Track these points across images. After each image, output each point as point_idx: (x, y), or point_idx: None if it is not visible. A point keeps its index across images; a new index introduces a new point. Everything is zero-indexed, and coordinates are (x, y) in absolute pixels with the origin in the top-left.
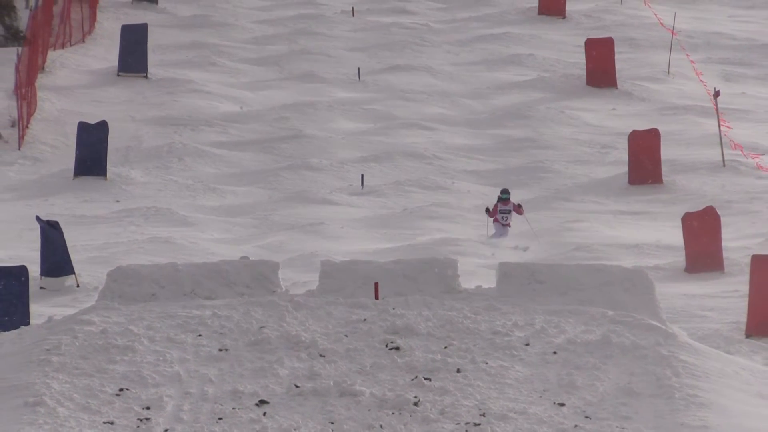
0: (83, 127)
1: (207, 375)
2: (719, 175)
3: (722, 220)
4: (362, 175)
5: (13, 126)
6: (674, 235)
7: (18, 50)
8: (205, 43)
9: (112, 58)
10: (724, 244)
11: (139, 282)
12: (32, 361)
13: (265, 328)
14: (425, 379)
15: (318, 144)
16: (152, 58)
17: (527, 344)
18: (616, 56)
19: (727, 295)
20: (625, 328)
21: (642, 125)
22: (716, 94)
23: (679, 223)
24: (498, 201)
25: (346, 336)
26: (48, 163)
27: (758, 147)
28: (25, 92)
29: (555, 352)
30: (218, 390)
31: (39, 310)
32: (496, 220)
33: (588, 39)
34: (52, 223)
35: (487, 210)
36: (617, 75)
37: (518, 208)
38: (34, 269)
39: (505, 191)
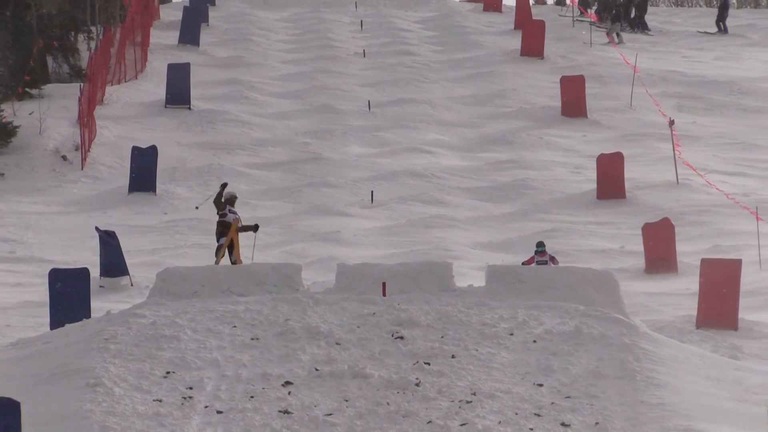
0: (136, 151)
1: (241, 360)
2: (674, 191)
3: (676, 229)
4: (372, 192)
5: (76, 150)
6: (635, 242)
7: (80, 86)
8: (239, 79)
9: (160, 92)
10: (677, 249)
11: (184, 282)
12: (93, 348)
13: (290, 321)
14: (425, 363)
15: (334, 165)
16: (194, 92)
17: (511, 334)
18: (587, 90)
19: (680, 293)
20: (594, 320)
21: (608, 149)
22: (671, 122)
23: (640, 232)
24: (535, 253)
25: (358, 327)
26: (106, 181)
27: (707, 167)
28: (86, 121)
29: (535, 341)
30: (250, 372)
31: (98, 305)
32: None
33: (563, 76)
34: (110, 232)
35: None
36: (587, 107)
37: (553, 260)
38: (95, 271)
39: (540, 244)
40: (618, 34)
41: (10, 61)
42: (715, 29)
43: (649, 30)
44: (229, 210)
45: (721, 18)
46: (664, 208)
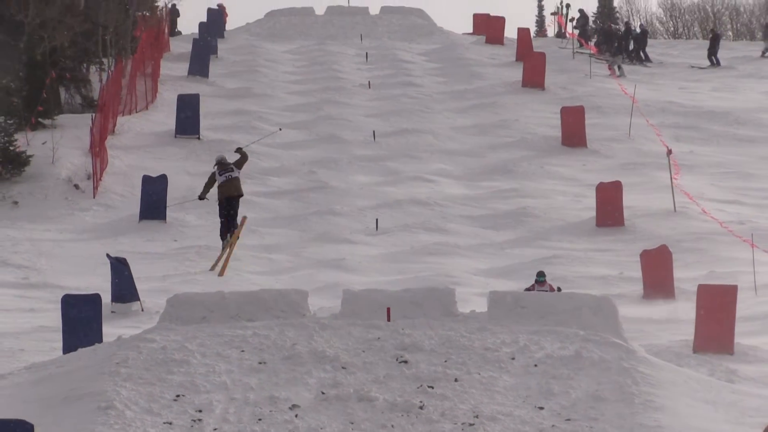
0: (146, 180)
1: (249, 383)
2: (671, 218)
3: (674, 256)
4: (377, 219)
5: (88, 178)
6: (634, 269)
7: (92, 116)
8: (248, 110)
9: (170, 122)
10: (675, 275)
11: (193, 307)
12: (104, 372)
13: (296, 345)
14: (429, 387)
15: (340, 193)
16: (204, 122)
17: (513, 358)
18: (586, 121)
19: (677, 318)
20: (594, 345)
21: (607, 178)
22: (669, 152)
23: (638, 259)
24: (535, 282)
25: (363, 351)
26: (117, 209)
27: (702, 195)
28: (98, 151)
29: (536, 365)
30: (258, 396)
31: (110, 330)
32: None
33: (563, 107)
34: (121, 259)
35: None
36: (587, 136)
37: (558, 290)
38: (106, 297)
39: (541, 274)
40: (620, 67)
41: (24, 92)
42: (707, 63)
43: (650, 62)
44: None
45: (712, 52)
46: (661, 235)
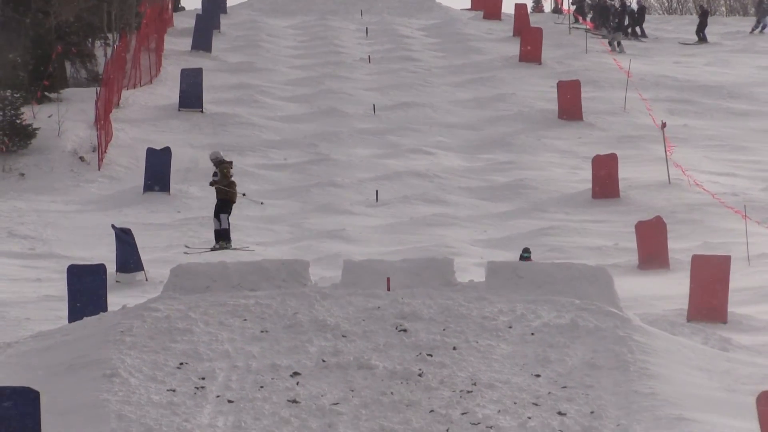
0: (151, 152)
1: (251, 352)
2: (666, 190)
3: (668, 227)
4: (377, 191)
5: (94, 151)
6: (629, 240)
7: (97, 90)
8: (250, 84)
9: (174, 96)
10: (669, 246)
11: (196, 277)
12: (109, 340)
13: (298, 314)
14: (428, 355)
15: (341, 166)
16: (207, 96)
17: (510, 327)
18: (582, 95)
19: (671, 288)
20: (590, 314)
21: (603, 151)
22: (663, 125)
23: (633, 230)
24: (520, 259)
25: (363, 320)
26: (122, 181)
27: (696, 168)
28: (103, 124)
29: (533, 334)
30: (260, 364)
31: (115, 299)
32: None
33: (559, 81)
34: (125, 229)
35: None
36: (583, 110)
37: None
38: (111, 267)
39: (526, 250)
40: (619, 44)
41: (30, 66)
42: (695, 39)
43: (646, 38)
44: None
45: (701, 28)
46: (656, 206)
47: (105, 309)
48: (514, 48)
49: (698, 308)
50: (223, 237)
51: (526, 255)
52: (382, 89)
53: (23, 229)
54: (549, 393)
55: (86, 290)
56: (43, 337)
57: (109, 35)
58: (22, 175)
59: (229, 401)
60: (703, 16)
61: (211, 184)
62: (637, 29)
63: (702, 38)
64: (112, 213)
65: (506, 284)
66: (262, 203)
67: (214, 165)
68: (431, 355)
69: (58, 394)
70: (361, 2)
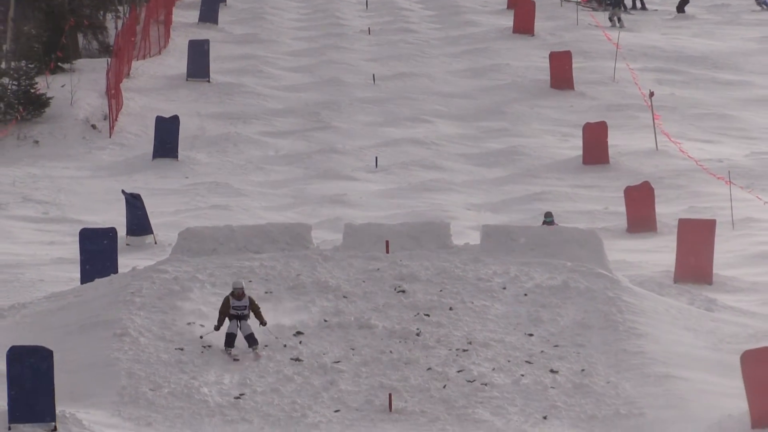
0: (160, 120)
1: None
2: (653, 157)
3: (655, 192)
4: (376, 158)
5: (105, 119)
6: (618, 204)
7: (108, 60)
8: (255, 55)
9: (182, 66)
10: (656, 210)
11: (203, 240)
12: (120, 301)
13: (300, 276)
14: (425, 315)
15: (342, 133)
16: (213, 66)
17: (504, 288)
18: (573, 65)
19: (659, 250)
20: (580, 275)
21: (593, 119)
22: (651, 94)
23: (622, 194)
24: (543, 224)
25: (363, 282)
26: (132, 148)
27: (683, 135)
28: (114, 93)
29: (526, 294)
30: None
31: (125, 262)
32: None
33: (552, 52)
34: (135, 194)
35: None
36: (574, 80)
37: None
38: (122, 230)
39: (548, 214)
40: (619, 19)
41: (44, 38)
42: (675, 14)
43: (646, 10)
44: (239, 308)
45: (683, 3)
46: (644, 172)
47: (116, 271)
48: (507, 20)
49: (684, 270)
50: (250, 342)
51: (548, 220)
52: (381, 60)
53: (37, 195)
54: (541, 351)
55: (98, 253)
56: (57, 298)
57: (120, 8)
58: (36, 142)
59: (235, 359)
60: None
61: (263, 323)
62: (639, 1)
63: (682, 11)
64: (123, 179)
65: (500, 247)
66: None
67: (240, 294)
68: (428, 315)
69: (71, 352)
70: None
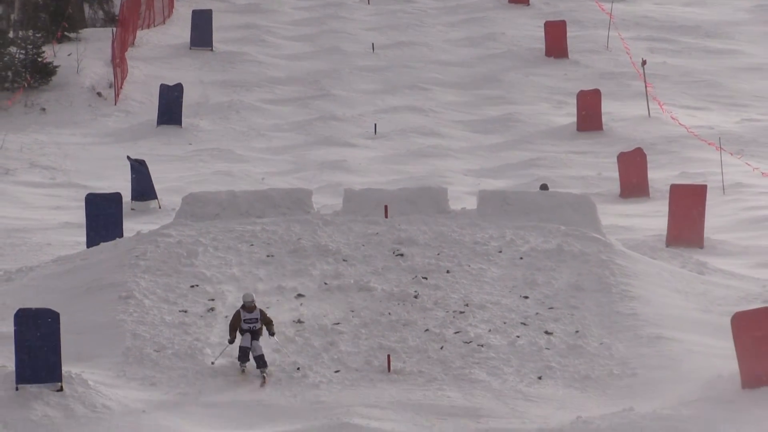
0: (164, 88)
1: (258, 275)
2: (645, 123)
3: (648, 158)
4: (375, 124)
5: (110, 87)
6: (611, 170)
7: (114, 30)
8: (257, 24)
9: (186, 36)
10: (649, 176)
11: (206, 205)
12: (125, 264)
13: (301, 240)
14: (423, 278)
15: (342, 100)
16: (216, 35)
17: (500, 251)
18: (568, 34)
19: (651, 215)
20: (574, 239)
21: (587, 86)
22: (643, 62)
23: (615, 160)
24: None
25: (363, 245)
26: (137, 115)
27: (675, 103)
28: (119, 62)
29: (521, 258)
30: (266, 286)
31: (130, 226)
32: None
33: (546, 21)
34: (140, 160)
35: None
36: (568, 48)
37: None
38: (127, 195)
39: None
40: None
41: (51, 8)
42: None
43: None
44: (251, 321)
45: None
46: (636, 139)
47: (121, 235)
48: None
49: (676, 234)
50: (259, 363)
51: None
52: (380, 29)
53: (44, 160)
54: (536, 313)
55: (103, 217)
56: (63, 262)
57: None
58: (43, 109)
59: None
60: None
61: (272, 334)
62: None
63: None
64: (128, 145)
65: (496, 211)
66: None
67: (251, 307)
68: (426, 278)
69: (77, 314)
70: None
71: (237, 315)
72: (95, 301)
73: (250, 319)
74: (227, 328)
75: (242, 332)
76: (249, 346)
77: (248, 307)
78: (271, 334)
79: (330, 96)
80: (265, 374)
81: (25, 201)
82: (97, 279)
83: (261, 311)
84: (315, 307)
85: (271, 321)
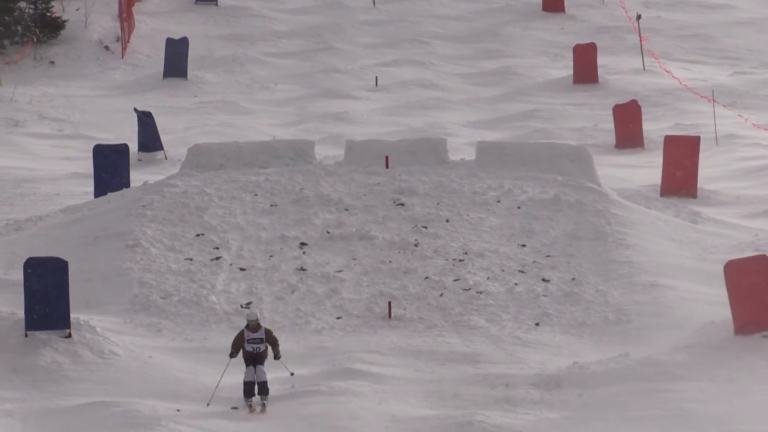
0: (170, 42)
1: (261, 224)
2: (640, 76)
3: (642, 109)
4: (376, 77)
5: (117, 41)
6: (607, 121)
7: None
8: None
9: None
10: (644, 127)
11: (211, 155)
12: (132, 214)
13: (304, 190)
14: (423, 227)
15: (344, 54)
16: None
17: (498, 201)
18: None
19: (646, 166)
20: (571, 189)
21: (583, 40)
22: (638, 17)
23: (611, 112)
24: None
25: (364, 195)
26: (143, 68)
27: (669, 56)
28: (126, 16)
29: (519, 207)
30: (270, 235)
31: (136, 176)
32: None
33: None
34: (147, 112)
35: None
36: (565, 3)
37: None
38: (133, 146)
39: None
40: None
41: None
42: None
43: None
44: (254, 342)
45: None
46: (632, 91)
47: (128, 185)
48: None
49: (670, 184)
50: (261, 390)
51: None
52: None
53: (53, 112)
54: (534, 261)
55: (110, 168)
56: (71, 211)
57: None
58: (52, 63)
59: (242, 269)
60: None
61: (277, 357)
62: None
63: None
64: (135, 97)
65: (495, 162)
66: (292, 374)
67: (255, 326)
68: (426, 227)
69: (85, 262)
70: None
71: (240, 335)
72: (103, 249)
73: (255, 338)
74: (231, 273)
75: (245, 355)
76: (253, 380)
77: (252, 326)
78: (276, 357)
79: (332, 49)
80: (265, 401)
81: (35, 152)
82: (105, 228)
83: (267, 330)
84: (317, 255)
85: (277, 341)
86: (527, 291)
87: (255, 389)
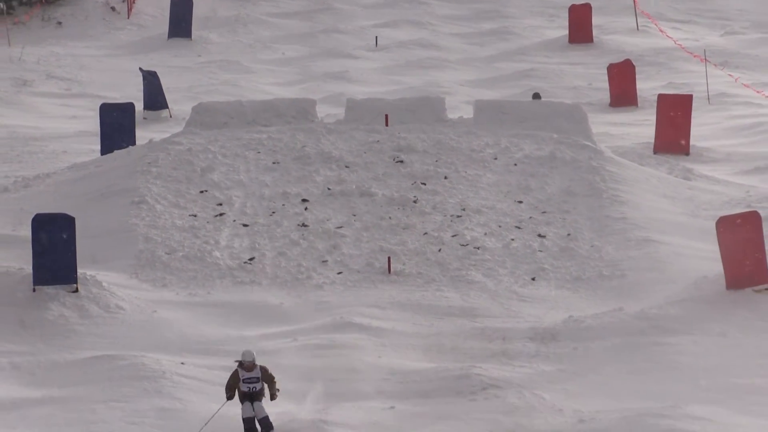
0: (174, 2)
1: (264, 181)
2: (634, 36)
3: (636, 68)
4: (376, 37)
5: (123, 1)
6: (602, 80)
7: None
8: None
9: None
10: (637, 86)
11: (215, 114)
12: (137, 171)
13: (306, 147)
14: (422, 183)
15: (345, 14)
16: None
17: (495, 158)
18: None
19: (639, 123)
20: (566, 146)
21: (578, 0)
22: None
23: (605, 71)
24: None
25: (364, 153)
26: (149, 29)
27: (662, 16)
28: None
29: (515, 164)
30: (272, 192)
31: (142, 134)
32: None
33: None
34: (152, 71)
35: None
36: None
37: None
38: (139, 105)
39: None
40: None
41: None
42: None
43: None
44: (251, 381)
45: None
46: (626, 50)
47: (133, 143)
48: None
49: (664, 141)
50: (264, 425)
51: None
52: None
53: (60, 72)
54: (530, 217)
55: (116, 126)
56: (78, 169)
57: None
58: (59, 23)
59: (245, 225)
60: None
61: (273, 397)
62: None
63: None
64: (140, 57)
65: (492, 120)
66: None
67: (250, 366)
68: (425, 184)
69: (92, 219)
70: None
71: (235, 375)
72: (109, 206)
73: (250, 378)
74: (234, 229)
75: (241, 395)
76: (252, 415)
77: (247, 366)
78: (273, 398)
79: (333, 10)
80: None
81: (42, 111)
82: (111, 185)
83: (262, 368)
84: (318, 211)
85: (273, 378)
86: (524, 246)
87: (256, 425)
